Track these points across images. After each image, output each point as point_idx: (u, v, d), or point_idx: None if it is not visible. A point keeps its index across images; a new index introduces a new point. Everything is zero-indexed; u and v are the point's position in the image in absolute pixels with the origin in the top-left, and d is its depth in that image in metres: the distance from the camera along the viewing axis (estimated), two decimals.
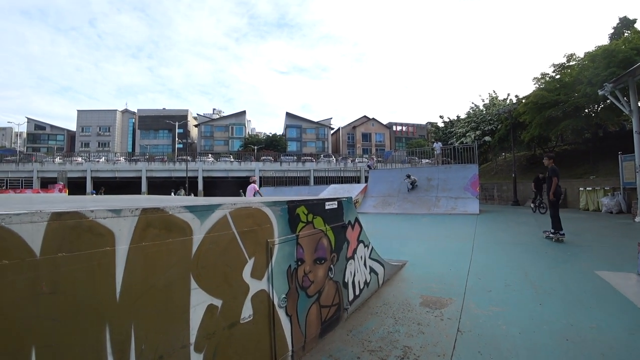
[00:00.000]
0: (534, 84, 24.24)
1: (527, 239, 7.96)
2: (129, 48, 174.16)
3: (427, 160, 31.10)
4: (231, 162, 46.55)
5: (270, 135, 69.22)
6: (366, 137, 74.34)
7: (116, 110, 70.30)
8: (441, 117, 41.29)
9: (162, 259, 1.56)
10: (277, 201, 2.34)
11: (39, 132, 70.96)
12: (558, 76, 22.25)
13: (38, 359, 1.21)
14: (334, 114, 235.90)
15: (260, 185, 32.27)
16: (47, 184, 35.48)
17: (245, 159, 48.26)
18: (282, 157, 49.61)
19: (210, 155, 52.23)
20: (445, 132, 38.96)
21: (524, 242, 7.68)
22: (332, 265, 3.14)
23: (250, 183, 12.40)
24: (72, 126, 71.62)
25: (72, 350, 1.31)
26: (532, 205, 15.10)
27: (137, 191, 40.74)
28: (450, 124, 39.42)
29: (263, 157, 48.04)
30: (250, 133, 74.76)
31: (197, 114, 75.50)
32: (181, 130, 62.38)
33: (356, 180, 31.24)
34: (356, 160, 48.28)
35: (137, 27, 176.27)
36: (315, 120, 74.15)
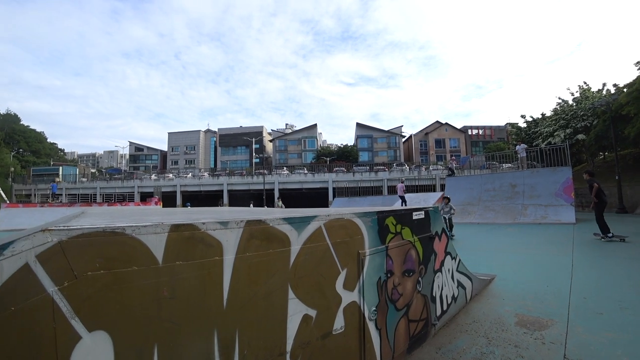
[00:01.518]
0: (638, 69, 20.93)
1: None
2: (208, 74, 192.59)
3: (509, 165, 28.54)
4: (305, 174, 48.00)
5: (342, 146, 69.95)
6: (439, 143, 70.95)
7: (200, 130, 77.80)
8: (522, 116, 37.77)
9: (263, 269, 1.61)
10: (367, 212, 2.30)
11: (138, 153, 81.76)
12: None
13: (159, 356, 1.31)
14: (405, 122, 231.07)
15: (334, 196, 32.68)
16: (145, 197, 40.60)
17: (318, 170, 49.34)
18: (354, 168, 49.56)
19: (285, 168, 54.56)
20: (529, 133, 35.48)
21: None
22: (420, 278, 2.98)
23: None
24: (164, 147, 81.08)
25: (186, 351, 1.40)
26: None
27: (220, 203, 44.13)
28: (533, 123, 35.84)
29: (336, 168, 48.59)
30: (322, 145, 76.47)
31: (271, 130, 79.77)
32: (257, 146, 66.32)
33: (431, 188, 29.83)
34: (430, 168, 46.25)
35: (214, 55, 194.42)
36: (386, 129, 73.07)
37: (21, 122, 79.73)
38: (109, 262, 1.21)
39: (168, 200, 43.21)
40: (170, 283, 1.31)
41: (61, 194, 44.87)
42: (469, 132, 72.58)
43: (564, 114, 29.41)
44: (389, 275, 2.53)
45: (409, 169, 47.74)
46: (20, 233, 1.23)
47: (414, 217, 2.96)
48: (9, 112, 78.56)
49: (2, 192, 45.25)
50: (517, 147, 19.40)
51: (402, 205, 20.39)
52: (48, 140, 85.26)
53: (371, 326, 2.33)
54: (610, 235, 8.07)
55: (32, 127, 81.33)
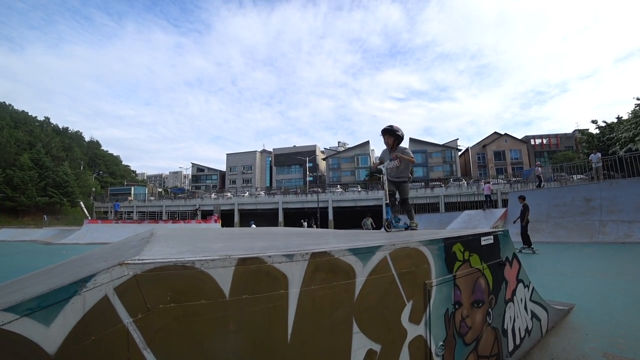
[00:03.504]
0: None
1: None
2: (262, 97, 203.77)
3: (581, 176, 25.96)
4: (359, 191, 47.87)
5: None
6: (499, 155, 66.71)
7: (256, 151, 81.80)
8: (594, 121, 34.24)
9: (328, 302, 1.56)
10: (433, 239, 2.15)
11: (199, 174, 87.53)
12: None
13: None
14: (459, 135, 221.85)
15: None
16: (205, 215, 43.29)
17: (372, 187, 48.90)
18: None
19: (338, 186, 54.96)
20: (602, 140, 32.08)
21: None
22: (490, 309, 2.73)
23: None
24: (223, 167, 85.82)
25: None
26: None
27: (275, 221, 45.48)
28: (608, 128, 32.37)
29: None
30: (374, 162, 75.86)
31: (324, 148, 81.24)
32: (311, 164, 67.56)
33: (493, 204, 28.02)
34: (490, 182, 43.75)
35: (268, 80, 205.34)
36: (440, 143, 70.72)
37: (101, 148, 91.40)
38: (179, 296, 1.22)
39: (226, 218, 45.40)
40: (237, 317, 1.30)
41: (132, 211, 49.49)
42: (532, 142, 67.49)
43: None
44: (456, 306, 2.34)
45: (467, 184, 45.42)
46: (100, 265, 1.30)
47: (483, 243, 2.74)
48: (92, 139, 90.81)
49: (85, 209, 51.11)
50: (591, 156, 17.58)
51: (486, 204, 20.87)
52: (123, 163, 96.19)
53: None
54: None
55: (110, 151, 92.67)
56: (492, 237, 2.88)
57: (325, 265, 1.55)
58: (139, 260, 1.21)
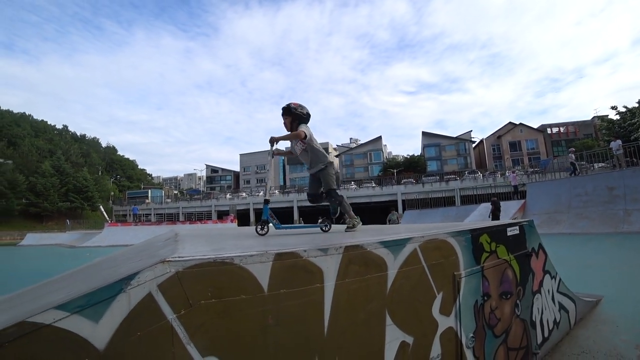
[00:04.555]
0: None
1: None
2: (272, 97, 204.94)
3: (602, 164, 25.21)
4: (373, 187, 47.65)
5: (408, 156, 68.35)
6: (515, 146, 65.10)
7: (268, 150, 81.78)
8: (613, 107, 33.18)
9: (361, 294, 1.58)
10: (460, 230, 2.14)
11: (213, 175, 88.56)
12: None
13: None
14: (472, 126, 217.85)
15: (403, 209, 31.84)
16: (221, 215, 43.89)
17: (386, 183, 48.61)
18: (423, 178, 47.76)
19: (352, 182, 54.76)
20: (623, 126, 31.08)
21: None
22: (518, 301, 2.70)
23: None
24: (237, 167, 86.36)
25: None
26: None
27: (290, 219, 45.74)
28: (629, 114, 31.33)
29: (404, 180, 47.40)
30: (387, 157, 75.42)
31: (336, 145, 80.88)
32: None
33: (509, 196, 27.41)
34: (506, 174, 42.76)
35: (276, 79, 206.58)
36: (454, 135, 69.54)
37: (118, 153, 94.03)
38: (220, 291, 1.25)
39: (242, 217, 45.79)
40: (275, 311, 1.33)
41: (149, 214, 50.50)
42: (548, 130, 65.77)
43: None
44: (485, 298, 2.32)
45: (483, 176, 44.62)
46: (143, 263, 1.34)
47: (509, 233, 2.71)
48: (108, 145, 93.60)
49: (105, 213, 52.55)
50: (612, 143, 17.03)
51: (515, 194, 21.10)
52: (139, 167, 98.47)
53: (469, 354, 2.14)
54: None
55: (126, 156, 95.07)
56: (517, 227, 2.85)
57: (358, 259, 1.57)
58: (179, 257, 1.24)
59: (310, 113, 3.43)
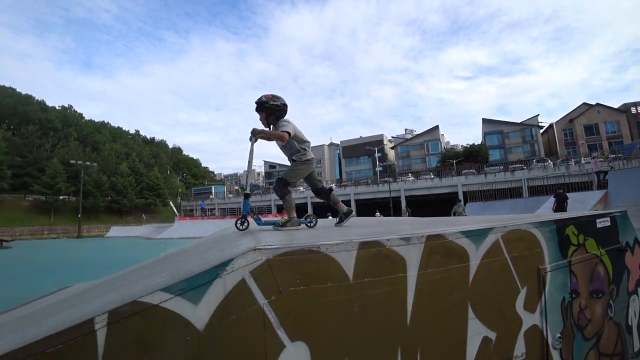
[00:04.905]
0: None
1: None
2: (324, 92, 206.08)
3: None
4: (432, 179, 46.02)
5: (468, 146, 64.92)
6: (590, 129, 58.18)
7: (324, 145, 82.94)
8: None
9: (444, 285, 1.56)
10: (545, 221, 2.00)
11: (271, 170, 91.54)
12: None
13: None
14: (539, 110, 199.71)
15: (465, 201, 30.38)
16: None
17: (445, 174, 46.59)
18: (485, 169, 44.86)
19: (409, 174, 53.36)
20: None
21: None
22: (611, 301, 2.45)
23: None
24: None
25: None
26: None
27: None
28: None
29: (464, 171, 44.99)
30: (445, 147, 72.30)
31: (392, 137, 79.27)
32: (379, 154, 66.49)
33: (586, 186, 24.64)
34: (582, 161, 38.44)
35: (328, 74, 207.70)
36: (518, 121, 64.43)
37: (183, 153, 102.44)
38: (307, 278, 1.31)
39: (300, 210, 47.04)
40: (360, 299, 1.36)
41: (213, 208, 54.02)
42: (632, 110, 57.75)
43: None
44: (573, 295, 2.15)
45: (554, 164, 40.79)
46: (236, 251, 1.45)
47: (598, 225, 2.46)
48: (175, 146, 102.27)
49: (174, 208, 57.36)
50: None
51: (599, 183, 18.81)
52: (202, 165, 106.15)
53: (555, 356, 2.00)
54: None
55: (190, 155, 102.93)
56: (608, 219, 2.58)
57: (440, 248, 1.55)
58: (270, 246, 1.32)
59: (287, 103, 3.10)
